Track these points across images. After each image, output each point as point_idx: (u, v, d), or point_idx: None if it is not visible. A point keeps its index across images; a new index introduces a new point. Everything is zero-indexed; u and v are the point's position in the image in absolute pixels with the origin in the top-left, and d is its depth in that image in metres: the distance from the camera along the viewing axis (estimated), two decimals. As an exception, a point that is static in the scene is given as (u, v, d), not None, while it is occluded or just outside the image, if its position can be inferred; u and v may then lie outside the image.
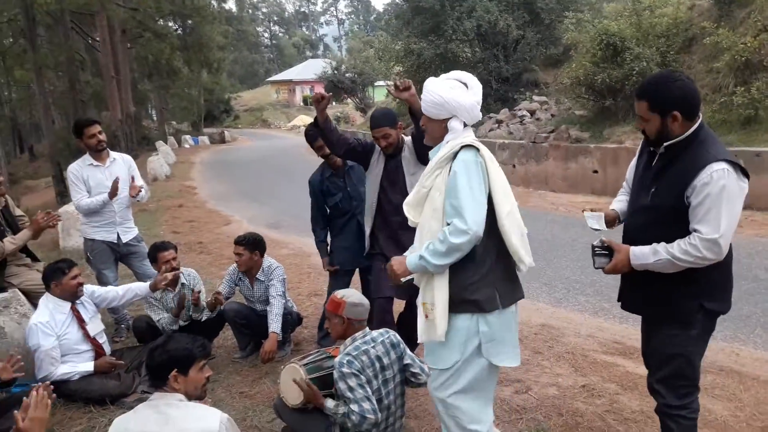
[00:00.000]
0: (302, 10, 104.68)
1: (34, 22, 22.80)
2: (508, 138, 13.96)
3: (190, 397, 2.37)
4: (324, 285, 6.20)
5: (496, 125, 14.99)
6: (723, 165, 2.21)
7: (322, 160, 4.46)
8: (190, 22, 28.75)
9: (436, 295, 2.42)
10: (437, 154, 2.48)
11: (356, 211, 4.35)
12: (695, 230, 2.24)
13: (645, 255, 2.36)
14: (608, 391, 3.70)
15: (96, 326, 3.96)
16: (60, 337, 3.70)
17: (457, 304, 2.43)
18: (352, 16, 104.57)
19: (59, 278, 3.75)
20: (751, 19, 11.18)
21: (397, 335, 3.11)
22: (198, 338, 2.52)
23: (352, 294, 3.04)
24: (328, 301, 4.27)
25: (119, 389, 3.73)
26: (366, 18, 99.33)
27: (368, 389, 2.81)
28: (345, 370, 2.81)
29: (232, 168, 19.97)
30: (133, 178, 4.82)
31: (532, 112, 14.78)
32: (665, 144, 2.37)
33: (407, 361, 3.07)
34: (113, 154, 4.86)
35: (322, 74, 36.55)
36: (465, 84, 2.49)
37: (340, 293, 3.05)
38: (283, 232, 9.00)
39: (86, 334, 3.84)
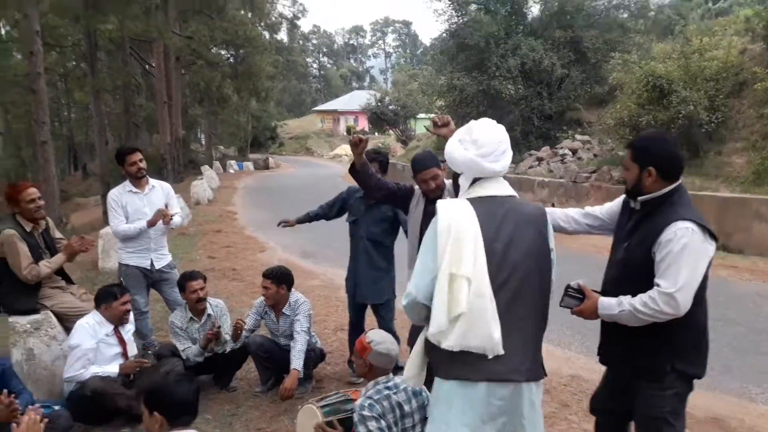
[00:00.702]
0: (351, 42, 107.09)
1: (95, 47, 23.90)
2: (548, 176, 13.81)
3: None
4: (351, 320, 6.19)
5: (537, 163, 14.86)
6: (688, 224, 2.34)
7: None
8: (241, 51, 29.66)
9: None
10: None
11: (360, 243, 4.42)
12: (656, 284, 2.34)
13: (611, 306, 2.45)
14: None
15: (132, 348, 4.15)
16: (99, 346, 3.90)
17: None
18: (399, 49, 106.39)
19: (110, 302, 3.96)
20: (805, 65, 10.85)
21: (419, 382, 3.05)
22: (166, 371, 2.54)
23: (382, 342, 2.95)
24: (350, 331, 4.28)
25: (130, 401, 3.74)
26: (413, 51, 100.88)
27: None
28: (366, 413, 2.77)
29: (273, 194, 20.27)
30: (166, 206, 4.93)
31: (574, 151, 14.60)
32: (640, 199, 2.51)
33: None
34: (152, 181, 4.99)
35: (366, 105, 37.08)
36: (472, 136, 2.34)
37: (369, 336, 2.99)
38: (316, 263, 9.04)
39: (124, 354, 4.05)
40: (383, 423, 2.77)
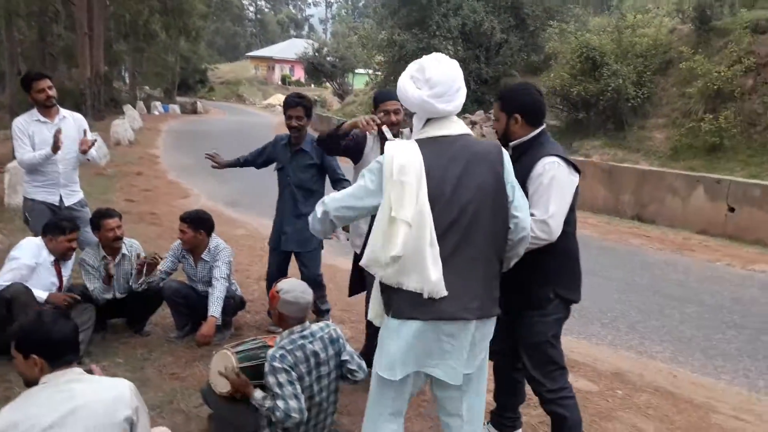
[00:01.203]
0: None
1: (7, -34, 21.83)
2: (481, 140, 14.00)
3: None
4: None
5: (470, 126, 14.99)
6: (554, 158, 2.55)
7: None
8: (172, -16, 27.91)
9: None
10: None
11: (286, 191, 4.37)
12: (531, 214, 2.46)
13: None
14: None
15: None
16: (38, 268, 3.86)
17: None
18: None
19: (56, 235, 3.92)
20: (727, 49, 11.41)
21: (338, 329, 3.03)
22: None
23: (291, 290, 2.86)
24: (268, 283, 4.22)
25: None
26: (354, 3, 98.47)
27: (298, 387, 2.72)
28: (276, 364, 2.71)
29: (200, 140, 19.50)
30: (85, 132, 4.59)
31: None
32: (511, 145, 2.71)
33: (345, 357, 2.98)
34: (63, 111, 4.61)
35: (304, 54, 36.07)
36: (425, 75, 2.24)
37: (279, 285, 2.91)
38: (241, 212, 8.81)
39: (59, 289, 3.98)
40: (294, 375, 2.73)
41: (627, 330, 5.06)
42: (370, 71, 23.66)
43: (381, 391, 2.35)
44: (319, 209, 2.31)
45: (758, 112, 10.67)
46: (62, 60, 27.55)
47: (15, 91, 22.28)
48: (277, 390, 2.70)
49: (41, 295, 3.76)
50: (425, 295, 2.13)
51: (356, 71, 35.72)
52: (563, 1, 17.95)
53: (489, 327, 2.31)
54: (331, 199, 2.31)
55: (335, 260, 6.37)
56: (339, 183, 4.24)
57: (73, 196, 4.62)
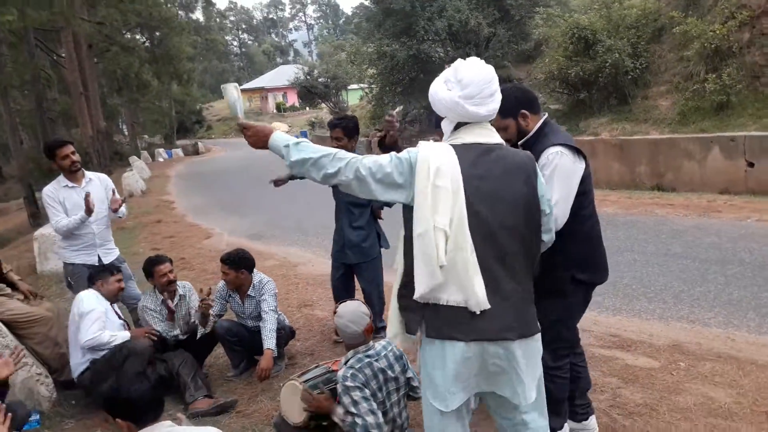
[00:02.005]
0: (270, 16, 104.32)
1: (-5, 41, 22.24)
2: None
3: None
4: (313, 295, 6.15)
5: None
6: (558, 148, 2.55)
7: None
8: (158, 33, 28.38)
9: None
10: None
11: (340, 206, 4.48)
12: None
13: None
14: (610, 386, 3.68)
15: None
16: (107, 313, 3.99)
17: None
18: (321, 20, 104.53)
19: (106, 278, 4.09)
20: (718, 7, 11.38)
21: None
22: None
23: (342, 316, 2.89)
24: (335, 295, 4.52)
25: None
26: (335, 22, 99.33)
27: (373, 403, 2.76)
28: (349, 383, 2.75)
29: (209, 179, 19.72)
30: (113, 191, 4.69)
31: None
32: (520, 143, 2.69)
33: (410, 374, 3.03)
34: (89, 174, 4.71)
35: (295, 80, 36.34)
36: (457, 76, 2.16)
37: (339, 307, 2.97)
38: (267, 243, 8.86)
39: (126, 325, 4.16)
40: (367, 391, 2.76)
41: (674, 301, 5.03)
42: (364, 86, 23.74)
43: (437, 420, 2.19)
44: (349, 171, 2.09)
45: (760, 63, 10.61)
46: (61, 123, 27.96)
47: (24, 161, 22.61)
48: (352, 409, 2.73)
49: (125, 336, 3.91)
50: (471, 308, 2.02)
51: (349, 88, 35.92)
52: (544, -14, 18.00)
53: (533, 344, 2.17)
54: (368, 173, 2.09)
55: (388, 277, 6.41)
56: None
57: (110, 254, 4.69)
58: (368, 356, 2.87)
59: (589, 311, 4.93)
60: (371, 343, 2.94)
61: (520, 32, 17.69)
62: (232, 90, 2.81)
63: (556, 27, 13.96)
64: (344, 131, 4.26)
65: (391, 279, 2.42)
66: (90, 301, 3.91)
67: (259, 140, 2.25)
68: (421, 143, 2.17)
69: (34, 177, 21.90)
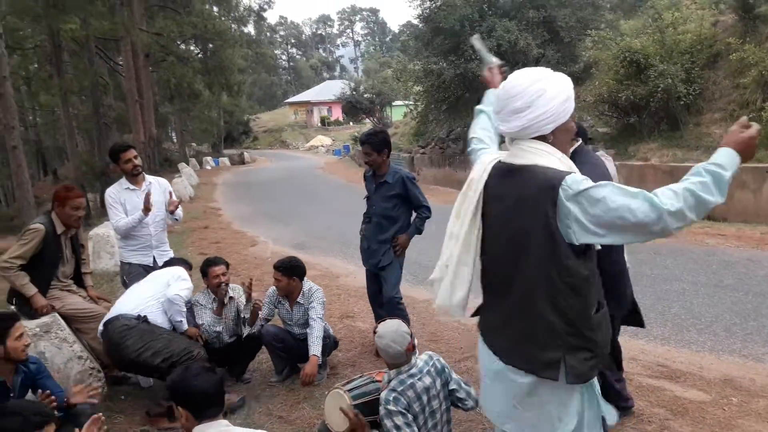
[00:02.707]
0: (319, 32, 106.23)
1: (59, 48, 23.29)
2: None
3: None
4: (354, 307, 6.20)
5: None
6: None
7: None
8: (211, 45, 29.28)
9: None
10: None
11: (372, 219, 4.67)
12: None
13: None
14: (657, 417, 3.59)
15: None
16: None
17: None
18: (368, 37, 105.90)
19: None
20: (777, 34, 11.06)
21: (441, 360, 3.04)
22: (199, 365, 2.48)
23: (382, 336, 2.85)
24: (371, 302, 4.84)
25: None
26: (382, 39, 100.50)
27: (414, 428, 2.74)
28: (392, 408, 2.74)
29: (254, 189, 20.12)
30: (170, 194, 4.85)
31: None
32: None
33: (453, 386, 3.00)
34: (149, 177, 4.89)
35: (341, 95, 36.87)
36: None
37: (378, 327, 2.95)
38: (310, 253, 8.98)
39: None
40: (410, 416, 2.75)
41: (725, 334, 4.89)
42: (409, 102, 23.91)
43: None
44: None
45: (820, 93, 10.28)
46: (115, 128, 28.99)
47: (78, 164, 23.45)
48: None
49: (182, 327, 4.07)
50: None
51: (394, 104, 36.21)
52: (595, 9, 17.82)
53: (521, 380, 2.06)
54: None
55: (413, 290, 6.43)
56: (420, 209, 4.60)
57: (164, 255, 4.85)
58: (411, 375, 2.85)
59: (636, 339, 4.90)
60: (413, 360, 2.93)
61: (569, 54, 17.51)
62: (477, 42, 2.82)
63: (606, 50, 13.80)
64: (372, 147, 4.51)
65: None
66: (187, 278, 4.21)
67: None
68: (484, 153, 2.30)
69: (87, 179, 22.73)
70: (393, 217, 4.58)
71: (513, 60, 17.22)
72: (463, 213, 2.14)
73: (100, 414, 2.60)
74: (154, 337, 3.77)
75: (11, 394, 3.11)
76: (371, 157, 4.53)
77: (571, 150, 2.70)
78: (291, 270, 4.28)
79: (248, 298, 4.43)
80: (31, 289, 3.97)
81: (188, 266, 4.50)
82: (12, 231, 21.73)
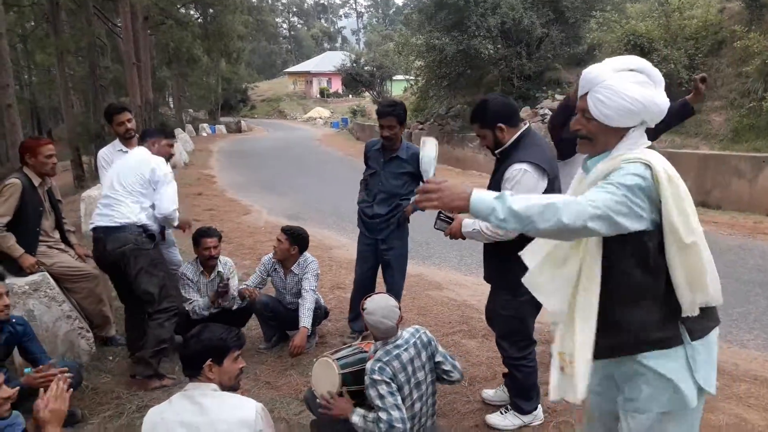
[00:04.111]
0: (321, 2, 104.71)
1: (57, 6, 22.83)
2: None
3: (224, 388, 2.35)
4: (346, 278, 6.21)
5: (517, 123, 14.89)
6: (523, 165, 2.82)
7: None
8: (211, 11, 28.74)
9: (577, 349, 1.89)
10: (597, 168, 1.92)
11: (375, 194, 4.28)
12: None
13: (467, 225, 2.97)
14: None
15: None
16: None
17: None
18: (371, 9, 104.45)
19: (159, 138, 4.21)
20: (783, 24, 10.97)
21: (428, 333, 3.07)
22: (233, 328, 2.49)
23: (373, 313, 2.87)
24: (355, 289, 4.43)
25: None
26: (385, 12, 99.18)
27: (398, 397, 2.77)
28: (376, 377, 2.77)
29: (250, 157, 20.02)
30: None
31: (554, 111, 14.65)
32: (497, 151, 3.00)
33: (439, 359, 3.03)
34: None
35: (341, 66, 36.49)
36: (648, 75, 1.90)
37: (366, 303, 2.95)
38: (304, 224, 8.85)
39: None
40: (394, 386, 2.77)
41: (712, 319, 4.93)
42: (410, 77, 23.71)
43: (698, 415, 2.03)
44: (574, 217, 1.72)
45: (823, 85, 10.23)
46: (112, 91, 28.64)
47: (73, 125, 23.23)
48: (378, 402, 2.75)
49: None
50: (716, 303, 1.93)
51: (394, 78, 35.88)
52: (602, -10, 17.62)
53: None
54: (593, 206, 1.72)
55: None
56: None
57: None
58: (397, 347, 2.88)
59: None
60: (400, 332, 2.95)
61: (573, 35, 17.35)
62: (431, 147, 3.12)
63: (611, 32, 13.66)
64: (398, 119, 4.11)
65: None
66: (170, 174, 4.03)
67: (454, 199, 1.86)
68: (645, 150, 1.89)
69: (81, 141, 22.53)
70: (398, 194, 4.24)
71: (517, 38, 17.07)
72: (692, 215, 1.81)
73: (66, 368, 2.59)
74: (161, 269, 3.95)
75: None
76: (394, 130, 4.11)
77: (521, 133, 2.94)
78: (297, 238, 4.28)
79: (242, 297, 4.36)
80: (18, 250, 3.91)
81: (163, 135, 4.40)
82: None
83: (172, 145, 4.33)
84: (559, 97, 15.44)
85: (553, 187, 2.90)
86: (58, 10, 22.94)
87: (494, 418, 3.33)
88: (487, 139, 2.98)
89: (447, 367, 3.04)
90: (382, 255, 4.38)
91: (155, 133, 4.28)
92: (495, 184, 2.95)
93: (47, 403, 2.23)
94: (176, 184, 4.11)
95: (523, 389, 3.25)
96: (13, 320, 3.22)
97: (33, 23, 29.37)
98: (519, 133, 2.93)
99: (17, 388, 2.45)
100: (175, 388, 3.63)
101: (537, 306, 2.98)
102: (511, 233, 2.76)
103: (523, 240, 2.69)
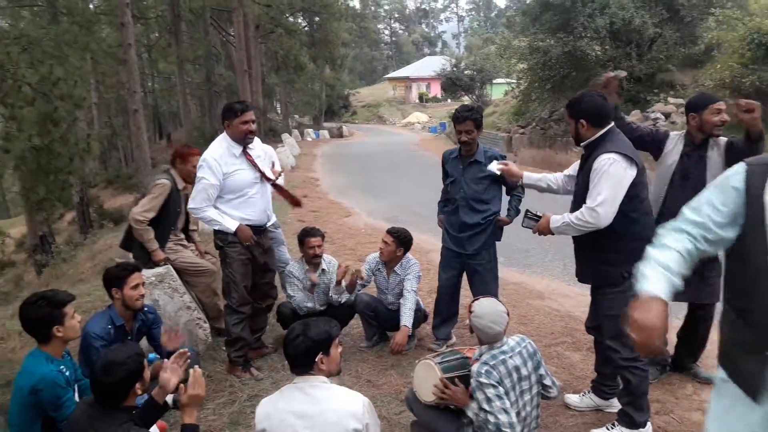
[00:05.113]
0: (423, 7, 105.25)
1: (178, 18, 24.64)
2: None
3: (331, 375, 2.46)
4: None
5: (626, 128, 14.21)
6: (611, 155, 2.91)
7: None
8: (317, 18, 29.81)
9: None
10: None
11: (459, 203, 4.24)
12: (585, 202, 2.96)
13: (556, 220, 3.10)
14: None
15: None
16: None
17: None
18: (473, 13, 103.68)
19: (231, 119, 3.90)
20: None
21: (533, 344, 3.02)
22: (327, 318, 2.60)
23: (481, 317, 2.86)
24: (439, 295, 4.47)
25: None
26: (486, 15, 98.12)
27: (506, 401, 2.75)
28: (483, 380, 2.76)
29: (351, 161, 20.51)
30: (273, 164, 5.05)
31: (667, 115, 13.86)
32: (581, 145, 3.13)
33: (541, 371, 2.98)
34: (256, 140, 5.09)
35: (441, 71, 36.51)
36: None
37: (474, 305, 2.95)
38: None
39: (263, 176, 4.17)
40: (501, 389, 2.75)
41: None
42: (511, 80, 23.33)
43: None
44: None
45: None
46: (225, 97, 30.45)
47: (190, 129, 24.81)
48: (485, 406, 2.73)
49: (231, 226, 3.93)
50: None
51: (494, 82, 35.42)
52: (723, -14, 16.45)
53: None
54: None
55: (504, 271, 6.37)
56: (516, 190, 4.25)
57: (270, 218, 5.08)
58: (503, 352, 2.85)
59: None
60: (505, 339, 2.93)
61: (689, 34, 16.31)
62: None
63: (732, 31, 12.74)
64: (475, 123, 4.08)
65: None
66: (199, 173, 3.87)
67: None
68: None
69: (198, 144, 24.08)
70: (484, 201, 4.17)
71: (627, 39, 16.33)
72: None
73: (186, 350, 2.80)
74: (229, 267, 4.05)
75: (129, 337, 3.43)
76: (471, 134, 4.08)
77: (605, 130, 3.04)
78: (402, 240, 4.38)
79: (338, 282, 4.46)
80: (154, 244, 4.29)
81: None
82: (130, 189, 23.58)
83: (246, 121, 3.90)
84: (673, 101, 14.59)
85: (642, 179, 2.97)
86: (179, 21, 24.75)
87: None
88: (570, 127, 3.16)
89: (547, 382, 3.00)
90: (468, 263, 4.32)
91: (228, 113, 3.97)
92: (584, 177, 3.06)
93: (186, 389, 2.46)
94: (207, 181, 3.84)
95: (636, 396, 3.11)
96: (146, 309, 3.54)
97: (157, 34, 31.76)
98: (603, 131, 3.04)
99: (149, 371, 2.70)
100: (284, 380, 3.83)
101: None
102: (603, 222, 2.90)
103: (618, 232, 2.94)
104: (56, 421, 2.69)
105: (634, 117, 14.50)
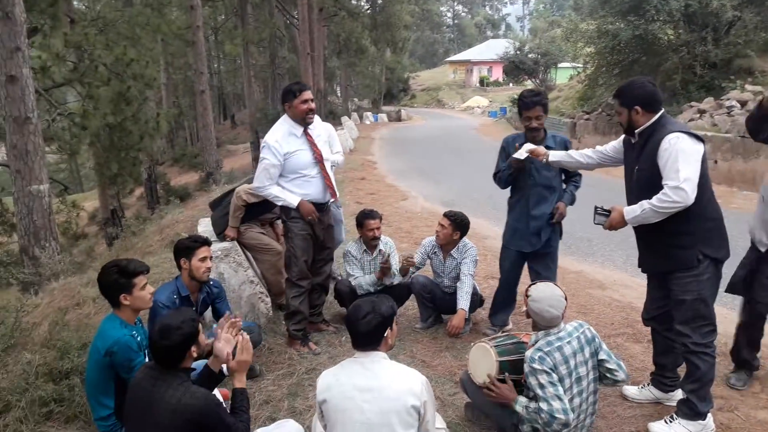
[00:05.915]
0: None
1: (245, 0, 25.10)
2: (711, 130, 12.59)
3: (390, 349, 2.54)
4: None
5: (698, 115, 13.59)
6: (676, 134, 2.88)
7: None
8: (380, 1, 29.74)
9: None
10: None
11: (529, 191, 4.09)
12: (665, 184, 2.85)
13: (634, 210, 2.99)
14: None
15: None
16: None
17: None
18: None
19: (291, 100, 3.95)
20: None
21: (592, 329, 2.98)
22: (386, 295, 2.65)
23: (539, 300, 2.83)
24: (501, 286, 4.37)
25: None
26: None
27: (560, 388, 2.73)
28: (536, 366, 2.75)
29: (408, 145, 20.51)
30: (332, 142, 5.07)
31: (743, 103, 13.14)
32: (637, 132, 3.07)
33: (602, 356, 2.93)
34: (316, 119, 5.14)
35: (504, 54, 35.81)
36: None
37: (531, 289, 2.92)
38: (460, 212, 9.08)
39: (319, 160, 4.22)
40: (555, 376, 2.73)
41: None
42: (577, 65, 22.65)
43: None
44: None
45: None
46: (288, 79, 30.94)
47: (254, 110, 25.32)
48: (539, 392, 2.73)
49: (293, 201, 4.03)
50: None
51: (559, 65, 34.46)
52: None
53: None
54: None
55: (564, 260, 6.27)
56: (575, 177, 4.19)
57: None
58: (559, 338, 2.83)
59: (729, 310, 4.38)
60: (561, 324, 2.89)
61: (772, 17, 15.40)
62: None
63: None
64: (544, 108, 3.96)
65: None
66: (262, 153, 4.02)
67: None
68: None
69: (261, 125, 24.61)
70: (553, 187, 4.06)
71: (702, 23, 15.55)
72: None
73: (238, 318, 2.88)
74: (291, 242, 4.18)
75: (194, 308, 3.58)
76: (541, 120, 3.94)
77: (659, 115, 3.01)
78: (459, 223, 4.39)
79: (403, 274, 4.56)
80: (236, 222, 4.60)
81: None
82: (195, 168, 24.39)
83: (305, 100, 3.93)
84: (750, 88, 13.81)
85: (706, 156, 2.93)
86: (245, 4, 25.18)
87: (658, 426, 3.17)
88: (622, 116, 3.09)
89: (611, 366, 2.93)
90: (530, 253, 4.23)
91: (287, 94, 4.01)
92: (646, 163, 2.99)
93: (234, 355, 2.58)
94: (269, 162, 3.95)
95: (703, 384, 3.05)
96: (211, 282, 3.69)
97: (224, 16, 32.48)
98: (657, 116, 3.01)
99: (212, 339, 2.83)
100: (341, 356, 3.93)
101: (716, 285, 3.02)
102: (690, 198, 2.80)
103: (693, 212, 2.86)
104: (128, 382, 2.86)
105: (706, 104, 13.86)
